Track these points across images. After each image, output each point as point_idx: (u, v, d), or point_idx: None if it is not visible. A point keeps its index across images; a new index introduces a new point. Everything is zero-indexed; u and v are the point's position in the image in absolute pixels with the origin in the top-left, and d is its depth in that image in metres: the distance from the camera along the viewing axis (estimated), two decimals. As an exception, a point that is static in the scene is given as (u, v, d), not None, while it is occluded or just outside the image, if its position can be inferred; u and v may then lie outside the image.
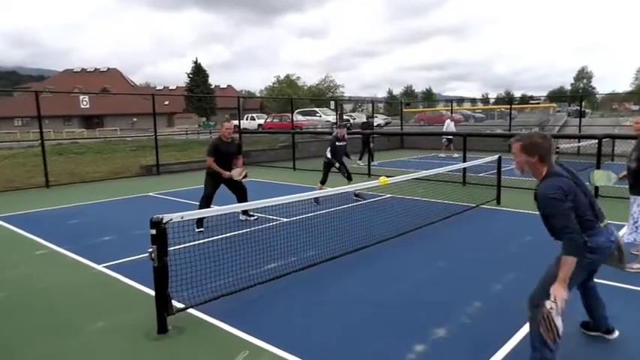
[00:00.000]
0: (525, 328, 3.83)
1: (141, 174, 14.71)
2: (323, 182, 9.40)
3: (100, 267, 5.64)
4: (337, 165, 9.40)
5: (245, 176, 7.60)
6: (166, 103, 57.89)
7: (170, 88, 74.55)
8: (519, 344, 3.61)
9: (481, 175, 11.30)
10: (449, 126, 18.56)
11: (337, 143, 9.40)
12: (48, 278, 5.35)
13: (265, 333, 3.84)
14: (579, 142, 15.32)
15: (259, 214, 7.80)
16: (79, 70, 74.09)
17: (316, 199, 8.72)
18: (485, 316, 4.13)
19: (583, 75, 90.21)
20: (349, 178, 9.39)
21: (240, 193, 7.57)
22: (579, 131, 20.93)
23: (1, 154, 18.84)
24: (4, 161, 15.35)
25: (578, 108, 29.26)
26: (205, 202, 7.23)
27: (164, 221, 3.82)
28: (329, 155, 9.34)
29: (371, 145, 15.84)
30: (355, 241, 6.12)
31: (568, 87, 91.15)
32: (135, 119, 54.46)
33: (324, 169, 9.49)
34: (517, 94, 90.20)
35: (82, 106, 18.56)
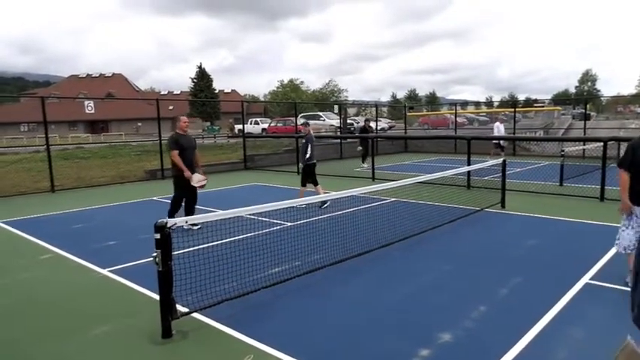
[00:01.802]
0: (531, 333, 3.81)
1: (145, 178, 14.76)
2: (315, 183, 9.61)
3: (104, 271, 5.66)
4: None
5: (203, 186, 7.46)
6: (171, 107, 58.04)
7: (174, 92, 74.86)
8: (525, 349, 3.58)
9: (485, 178, 11.26)
10: (499, 129, 17.69)
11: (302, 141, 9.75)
12: (53, 282, 5.37)
13: (269, 337, 3.84)
14: (584, 144, 15.25)
15: (264, 219, 7.79)
16: (84, 75, 74.63)
17: (323, 202, 8.88)
18: (491, 321, 4.10)
19: (587, 78, 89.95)
20: (303, 184, 9.57)
21: (193, 201, 7.48)
22: (584, 134, 20.84)
23: (8, 159, 18.97)
24: (11, 166, 15.45)
25: (583, 111, 29.16)
26: (175, 206, 7.37)
27: (168, 225, 3.83)
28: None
29: (359, 148, 16.01)
30: (360, 245, 6.10)
31: (572, 90, 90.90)
32: (139, 124, 54.76)
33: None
34: (521, 97, 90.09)
35: (87, 112, 18.62)
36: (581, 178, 11.90)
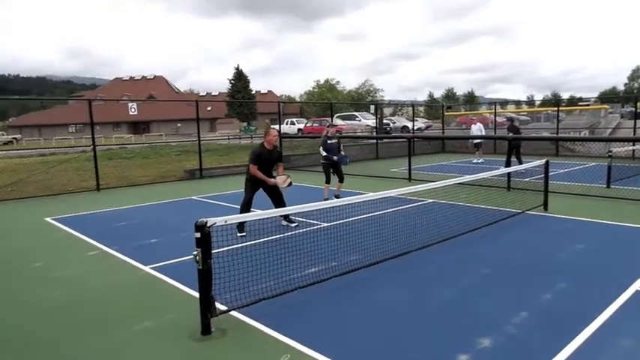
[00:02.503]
0: (575, 342, 3.66)
1: (185, 178, 15.16)
2: (327, 182, 9.92)
3: (147, 268, 5.84)
4: (335, 158, 9.83)
5: (290, 184, 7.46)
6: (209, 108, 59.50)
7: (213, 94, 76.63)
8: (570, 358, 3.45)
9: (527, 180, 10.92)
10: (475, 129, 18.31)
11: (328, 141, 9.88)
12: (99, 278, 5.59)
13: (306, 337, 3.86)
14: (634, 145, 14.54)
15: (300, 219, 7.85)
16: (127, 78, 77.51)
17: (326, 198, 9.57)
18: (533, 327, 3.97)
19: (638, 74, 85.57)
20: (341, 180, 9.97)
21: (278, 199, 7.45)
22: (634, 134, 19.84)
23: (58, 158, 19.91)
24: (60, 166, 16.21)
25: (633, 109, 27.75)
26: (246, 208, 7.26)
27: (208, 225, 3.91)
28: (323, 153, 9.86)
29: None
30: (397, 247, 6.04)
31: (621, 87, 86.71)
32: (179, 125, 56.30)
33: (324, 169, 9.99)
34: (565, 95, 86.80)
35: (130, 113, 19.31)
36: (631, 180, 11.34)
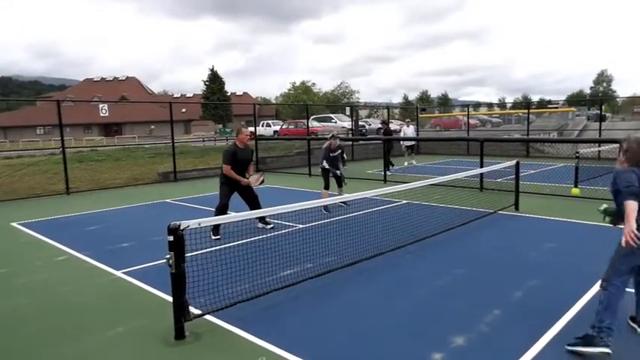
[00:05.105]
0: (546, 337, 3.76)
1: (158, 180, 14.90)
2: (326, 188, 9.42)
3: (118, 273, 5.71)
4: (338, 172, 9.47)
5: (262, 182, 7.51)
6: (183, 110, 58.69)
7: (187, 95, 75.56)
8: (540, 353, 3.53)
9: (499, 180, 11.16)
10: (406, 132, 18.56)
11: (330, 154, 9.45)
12: (68, 284, 5.43)
13: (282, 340, 3.84)
14: (599, 146, 15.02)
15: (275, 221, 7.81)
16: (98, 79, 75.74)
17: (326, 207, 8.79)
18: (505, 324, 4.06)
19: (603, 78, 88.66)
20: (340, 185, 9.54)
21: (253, 201, 7.42)
22: (599, 135, 20.54)
23: (24, 161, 19.28)
24: (27, 169, 15.70)
25: (598, 112, 28.76)
26: (221, 212, 7.16)
27: (181, 228, 3.85)
28: (326, 165, 9.42)
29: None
30: (372, 248, 6.08)
31: (587, 90, 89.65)
32: (152, 127, 55.30)
33: (323, 175, 9.53)
34: (535, 98, 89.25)
35: (102, 115, 18.92)
36: (597, 180, 11.72)
